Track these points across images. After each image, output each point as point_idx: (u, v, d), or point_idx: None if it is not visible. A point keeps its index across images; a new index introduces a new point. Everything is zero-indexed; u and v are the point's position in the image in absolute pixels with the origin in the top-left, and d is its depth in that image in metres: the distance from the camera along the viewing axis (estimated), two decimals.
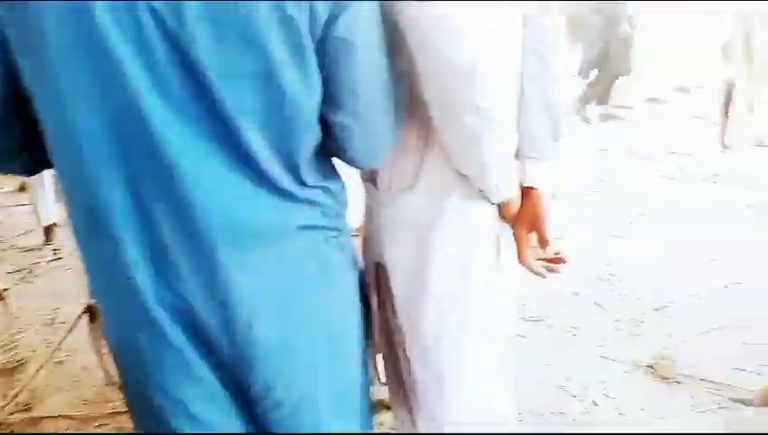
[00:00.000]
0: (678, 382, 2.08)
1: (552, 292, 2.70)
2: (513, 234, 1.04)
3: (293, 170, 0.80)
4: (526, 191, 1.02)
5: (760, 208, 3.53)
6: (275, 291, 0.82)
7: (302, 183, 0.82)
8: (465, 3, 0.81)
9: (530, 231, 1.02)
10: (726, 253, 3.01)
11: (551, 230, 1.02)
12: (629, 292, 2.70)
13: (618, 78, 5.72)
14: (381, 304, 1.06)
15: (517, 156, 1.05)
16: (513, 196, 0.99)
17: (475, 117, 0.87)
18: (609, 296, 2.67)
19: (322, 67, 0.76)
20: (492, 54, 0.84)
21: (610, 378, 2.11)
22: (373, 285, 1.07)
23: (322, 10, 0.72)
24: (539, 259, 1.04)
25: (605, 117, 5.77)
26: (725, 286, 2.70)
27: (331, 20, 0.73)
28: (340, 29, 0.74)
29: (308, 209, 0.84)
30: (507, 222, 1.04)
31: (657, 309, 2.55)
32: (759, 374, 2.09)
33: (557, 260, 1.04)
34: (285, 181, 0.80)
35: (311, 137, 0.81)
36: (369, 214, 1.05)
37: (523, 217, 1.02)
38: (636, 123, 5.66)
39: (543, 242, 1.01)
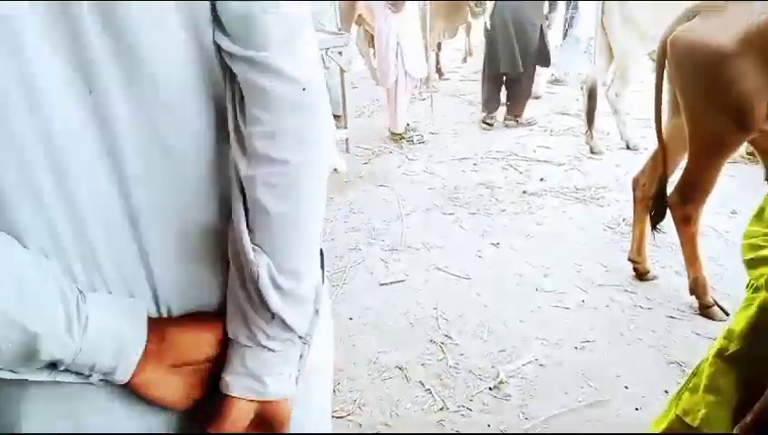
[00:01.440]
0: None
1: (370, 367, 2.15)
2: None
3: None
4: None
5: (620, 231, 3.15)
6: None
7: None
8: None
9: None
10: (580, 300, 2.58)
11: None
12: (463, 361, 2.19)
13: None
14: None
15: None
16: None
17: None
18: (439, 370, 2.14)
19: None
20: None
21: None
22: None
23: None
24: None
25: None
26: (575, 347, 2.25)
27: None
28: None
29: None
30: None
31: (491, 388, 2.04)
32: None
33: None
34: None
35: None
36: None
37: None
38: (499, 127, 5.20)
39: None
